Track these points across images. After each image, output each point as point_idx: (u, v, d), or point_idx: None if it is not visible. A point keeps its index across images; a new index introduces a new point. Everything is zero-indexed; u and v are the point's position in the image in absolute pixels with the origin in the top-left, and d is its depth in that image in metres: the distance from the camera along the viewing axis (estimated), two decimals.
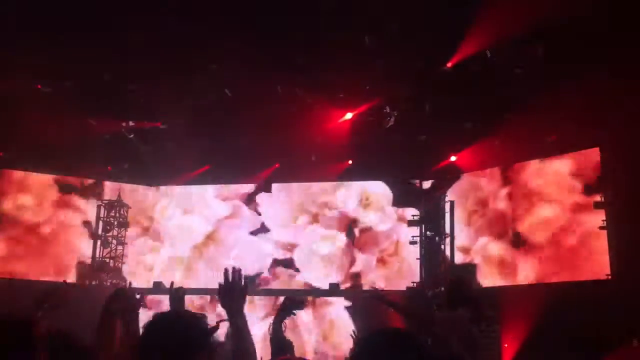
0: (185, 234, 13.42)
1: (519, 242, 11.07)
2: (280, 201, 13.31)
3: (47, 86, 10.12)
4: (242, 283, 2.61)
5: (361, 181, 12.94)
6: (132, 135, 11.72)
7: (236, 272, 2.61)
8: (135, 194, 13.51)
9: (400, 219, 12.55)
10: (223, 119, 11.13)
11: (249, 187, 13.41)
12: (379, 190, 12.86)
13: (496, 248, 11.37)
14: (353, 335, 5.21)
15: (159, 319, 2.33)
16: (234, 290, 2.58)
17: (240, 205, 13.46)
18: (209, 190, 13.56)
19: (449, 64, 9.21)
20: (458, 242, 11.71)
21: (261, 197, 13.39)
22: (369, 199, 12.91)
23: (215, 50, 9.14)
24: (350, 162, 12.53)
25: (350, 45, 8.88)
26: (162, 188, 13.68)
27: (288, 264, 12.94)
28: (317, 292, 12.44)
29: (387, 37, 8.75)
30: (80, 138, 11.16)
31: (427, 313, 4.24)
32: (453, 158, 11.78)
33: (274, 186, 13.27)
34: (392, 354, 2.03)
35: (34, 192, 12.69)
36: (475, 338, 4.08)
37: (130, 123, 11.52)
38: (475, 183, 11.86)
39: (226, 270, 2.61)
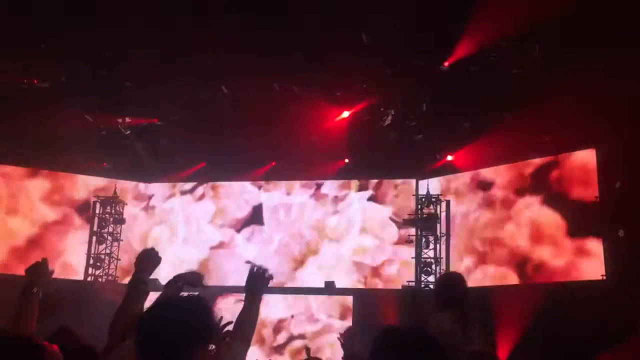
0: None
1: (512, 243, 11.08)
2: None
3: (42, 81, 10.07)
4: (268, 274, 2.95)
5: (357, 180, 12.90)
6: (128, 132, 11.68)
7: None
8: None
9: None
10: (219, 116, 11.10)
11: None
12: None
13: (489, 248, 11.37)
14: (340, 338, 5.03)
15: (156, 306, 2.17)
16: (262, 276, 2.91)
17: None
18: None
19: (446, 63, 9.21)
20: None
21: None
22: None
23: (212, 47, 9.12)
24: (346, 160, 12.51)
25: (348, 43, 8.87)
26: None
27: None
28: (312, 291, 12.40)
29: (384, 36, 8.74)
30: (75, 134, 11.11)
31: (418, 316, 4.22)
32: (450, 157, 11.79)
33: None
34: (412, 352, 2.04)
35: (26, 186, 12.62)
36: (454, 339, 4.04)
37: (127, 119, 11.48)
38: (470, 183, 11.86)
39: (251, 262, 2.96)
